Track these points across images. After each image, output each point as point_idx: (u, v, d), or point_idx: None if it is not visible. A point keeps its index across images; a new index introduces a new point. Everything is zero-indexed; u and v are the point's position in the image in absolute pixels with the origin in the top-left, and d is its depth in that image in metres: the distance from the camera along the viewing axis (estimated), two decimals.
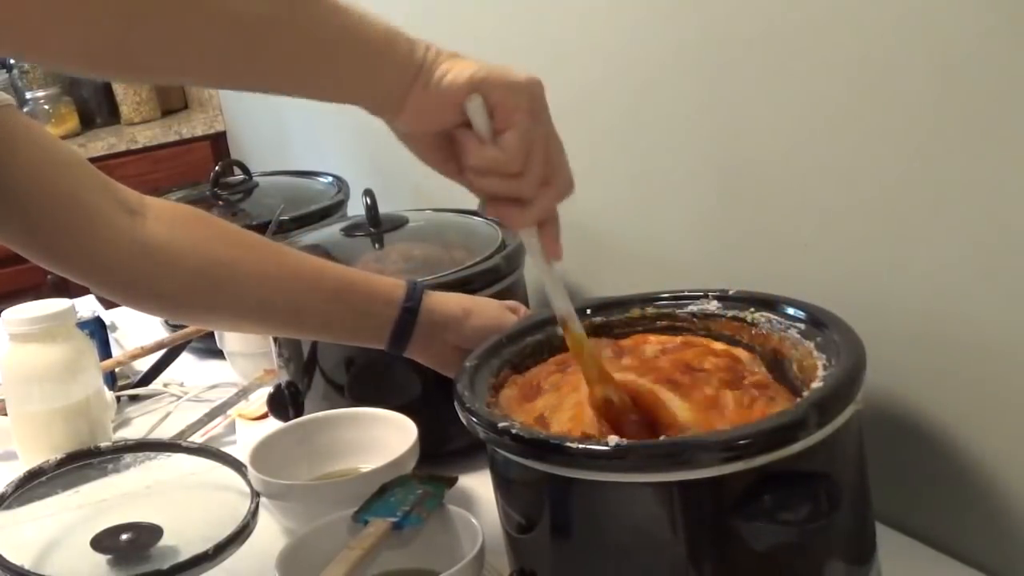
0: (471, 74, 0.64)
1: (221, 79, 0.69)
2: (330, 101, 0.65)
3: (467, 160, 0.67)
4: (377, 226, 1.15)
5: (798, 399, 0.70)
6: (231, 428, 1.18)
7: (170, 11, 0.57)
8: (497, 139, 0.65)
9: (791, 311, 0.78)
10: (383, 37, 0.63)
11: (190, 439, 1.13)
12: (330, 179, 1.56)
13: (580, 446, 0.66)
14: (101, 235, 0.83)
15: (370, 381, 1.04)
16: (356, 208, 1.27)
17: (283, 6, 0.60)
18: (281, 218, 1.34)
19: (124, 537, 0.92)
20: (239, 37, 0.60)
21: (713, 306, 0.82)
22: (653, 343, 0.81)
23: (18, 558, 0.87)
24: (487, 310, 0.93)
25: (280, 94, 0.66)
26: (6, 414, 1.12)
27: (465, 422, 0.73)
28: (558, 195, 0.69)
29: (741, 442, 0.63)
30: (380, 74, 0.64)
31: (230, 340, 1.28)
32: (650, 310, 0.84)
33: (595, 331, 0.83)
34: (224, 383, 1.29)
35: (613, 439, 0.66)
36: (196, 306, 0.90)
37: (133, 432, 1.21)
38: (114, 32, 0.56)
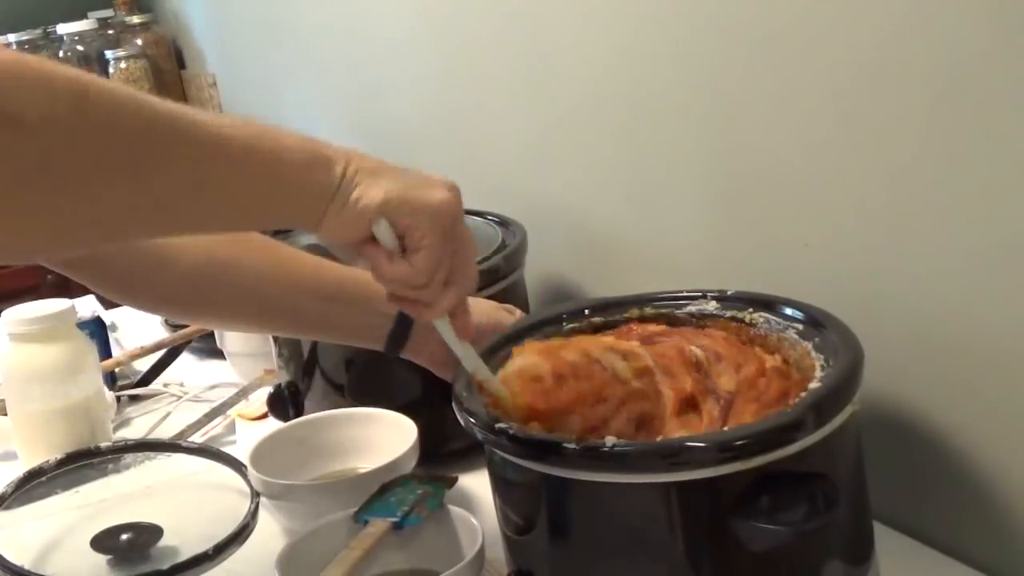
0: (381, 200, 0.67)
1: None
2: (246, 227, 0.72)
3: (376, 272, 0.70)
4: None
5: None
6: (231, 428, 1.18)
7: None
8: (407, 256, 0.69)
9: (789, 311, 0.78)
10: (303, 162, 0.66)
11: (190, 439, 1.13)
12: None
13: (577, 447, 0.66)
14: None
15: (370, 381, 1.04)
16: None
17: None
18: None
19: (124, 537, 0.92)
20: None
21: (711, 306, 0.82)
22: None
23: (18, 558, 0.87)
24: (484, 310, 0.93)
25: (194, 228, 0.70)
26: (6, 414, 1.12)
27: (463, 423, 0.73)
28: (459, 295, 0.73)
29: (738, 443, 0.63)
30: (298, 200, 0.67)
31: (230, 340, 1.29)
32: (648, 310, 0.84)
33: (594, 331, 0.83)
34: (224, 383, 1.29)
35: (611, 440, 0.66)
36: (196, 304, 0.90)
37: (133, 432, 1.21)
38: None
